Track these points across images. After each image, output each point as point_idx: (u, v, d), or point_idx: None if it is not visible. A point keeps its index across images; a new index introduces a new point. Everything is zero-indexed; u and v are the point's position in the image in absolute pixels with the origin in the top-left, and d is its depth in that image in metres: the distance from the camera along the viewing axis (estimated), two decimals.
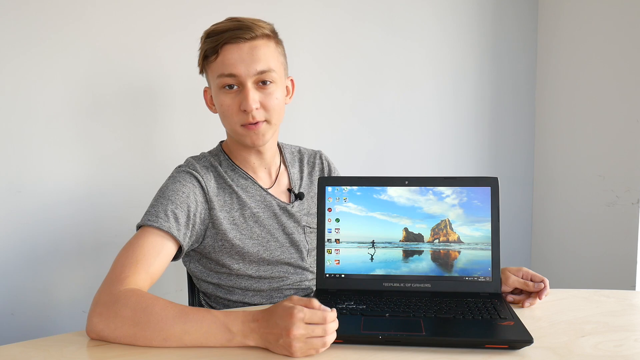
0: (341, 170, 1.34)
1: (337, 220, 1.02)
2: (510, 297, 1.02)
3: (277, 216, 1.12)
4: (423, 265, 0.99)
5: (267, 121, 1.05)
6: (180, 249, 1.01)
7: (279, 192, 1.16)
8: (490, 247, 0.98)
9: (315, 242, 1.16)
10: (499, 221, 0.99)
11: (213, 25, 1.05)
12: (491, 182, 1.00)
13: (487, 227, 0.99)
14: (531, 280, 1.01)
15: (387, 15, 1.87)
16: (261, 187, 1.12)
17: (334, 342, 0.77)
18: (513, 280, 1.02)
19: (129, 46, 1.45)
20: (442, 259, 0.99)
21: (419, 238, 1.00)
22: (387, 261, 0.99)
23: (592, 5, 1.96)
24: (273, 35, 1.07)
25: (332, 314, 0.76)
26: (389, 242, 1.00)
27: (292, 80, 1.15)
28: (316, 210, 1.04)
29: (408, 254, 0.99)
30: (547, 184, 2.19)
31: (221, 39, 1.01)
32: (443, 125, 2.04)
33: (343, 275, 1.00)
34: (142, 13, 1.46)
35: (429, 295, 0.96)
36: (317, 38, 1.75)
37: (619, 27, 1.87)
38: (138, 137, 1.49)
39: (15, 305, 1.37)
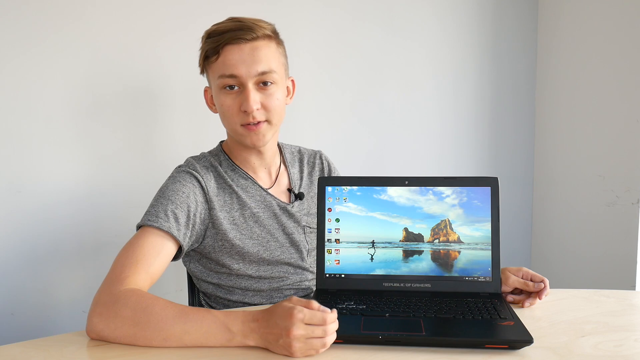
0: (341, 170, 1.34)
1: (337, 220, 1.02)
2: (510, 297, 1.02)
3: (277, 216, 1.12)
4: (423, 265, 0.99)
5: (267, 121, 1.05)
6: (180, 249, 1.01)
7: (279, 192, 1.16)
8: (490, 247, 0.98)
9: (315, 242, 1.16)
10: (499, 221, 0.99)
11: (214, 25, 1.05)
12: (491, 182, 1.00)
13: (487, 227, 0.99)
14: (531, 280, 1.01)
15: (387, 15, 1.87)
16: (261, 187, 1.12)
17: (334, 342, 0.77)
18: (513, 280, 1.02)
19: (129, 46, 1.45)
20: (442, 259, 0.99)
21: (419, 238, 1.00)
22: (387, 261, 0.99)
23: (592, 5, 1.96)
24: (274, 36, 1.07)
25: (332, 316, 0.76)
26: (389, 242, 1.00)
27: (292, 80, 1.15)
28: (316, 210, 1.04)
29: (408, 254, 0.99)
30: (547, 184, 2.19)
31: (222, 40, 1.01)
32: (443, 125, 2.04)
33: (343, 275, 1.00)
34: (142, 13, 1.46)
35: (429, 295, 0.96)
36: (317, 38, 1.75)
37: (619, 27, 1.87)
38: (138, 137, 1.49)
39: (15, 305, 1.37)
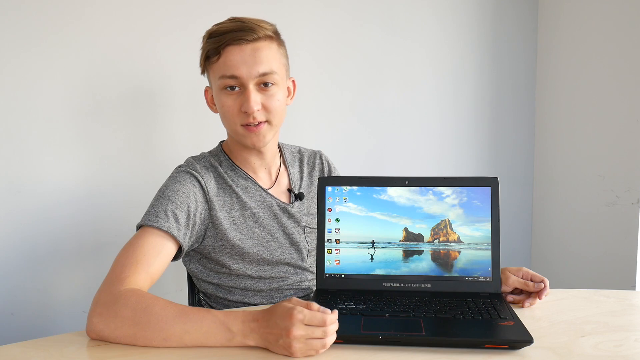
0: (341, 170, 1.34)
1: (337, 220, 1.02)
2: (510, 297, 1.02)
3: (277, 216, 1.12)
4: (423, 265, 0.99)
5: (268, 122, 1.05)
6: (180, 249, 1.00)
7: (279, 192, 1.16)
8: (490, 247, 0.98)
9: (315, 242, 1.16)
10: (499, 221, 0.99)
11: (215, 25, 1.04)
12: (491, 182, 1.00)
13: (487, 227, 0.99)
14: (531, 280, 1.01)
15: (387, 15, 1.87)
16: (261, 187, 1.12)
17: (334, 342, 0.77)
18: (513, 280, 1.02)
19: (129, 46, 1.45)
20: (442, 259, 0.99)
21: (419, 238, 1.00)
22: (387, 261, 0.99)
23: (592, 5, 1.96)
24: (275, 37, 1.06)
25: (332, 316, 0.76)
26: (389, 242, 1.00)
27: (293, 81, 1.14)
28: (316, 210, 1.04)
29: (408, 254, 0.99)
30: (547, 184, 2.19)
31: (223, 40, 1.01)
32: (443, 125, 2.04)
33: (343, 275, 1.00)
34: (142, 13, 1.46)
35: (429, 295, 0.96)
36: (317, 38, 1.75)
37: (619, 27, 1.87)
38: (138, 137, 1.49)
39: (15, 305, 1.37)
